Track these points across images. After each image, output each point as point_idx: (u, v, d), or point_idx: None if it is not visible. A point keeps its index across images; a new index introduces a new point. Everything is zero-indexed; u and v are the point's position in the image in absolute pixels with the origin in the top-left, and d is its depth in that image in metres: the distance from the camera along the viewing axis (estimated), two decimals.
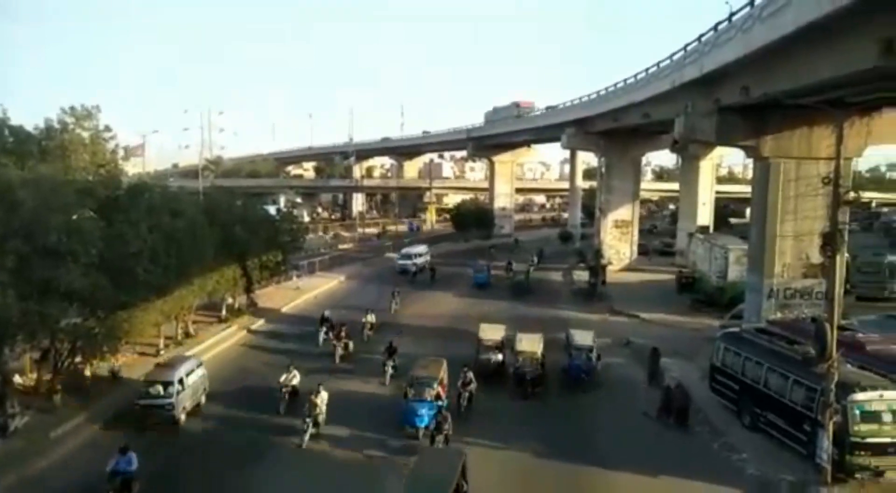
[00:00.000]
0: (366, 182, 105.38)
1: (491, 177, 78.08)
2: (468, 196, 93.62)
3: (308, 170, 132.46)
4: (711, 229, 49.45)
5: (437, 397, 17.88)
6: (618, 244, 48.37)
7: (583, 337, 22.71)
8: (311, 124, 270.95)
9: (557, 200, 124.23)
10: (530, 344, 21.77)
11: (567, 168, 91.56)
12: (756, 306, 24.85)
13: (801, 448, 15.22)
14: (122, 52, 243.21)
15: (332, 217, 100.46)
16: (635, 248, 49.96)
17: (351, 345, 25.32)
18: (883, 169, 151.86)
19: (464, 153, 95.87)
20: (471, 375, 19.29)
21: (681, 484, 14.78)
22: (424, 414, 17.17)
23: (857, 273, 34.20)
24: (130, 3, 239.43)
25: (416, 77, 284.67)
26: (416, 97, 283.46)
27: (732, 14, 22.23)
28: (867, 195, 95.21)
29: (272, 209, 45.79)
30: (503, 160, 75.21)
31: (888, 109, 23.23)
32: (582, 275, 42.57)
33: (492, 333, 23.50)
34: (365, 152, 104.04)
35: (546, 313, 33.29)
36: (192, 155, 71.64)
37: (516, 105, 67.03)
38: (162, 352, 24.29)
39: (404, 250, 47.85)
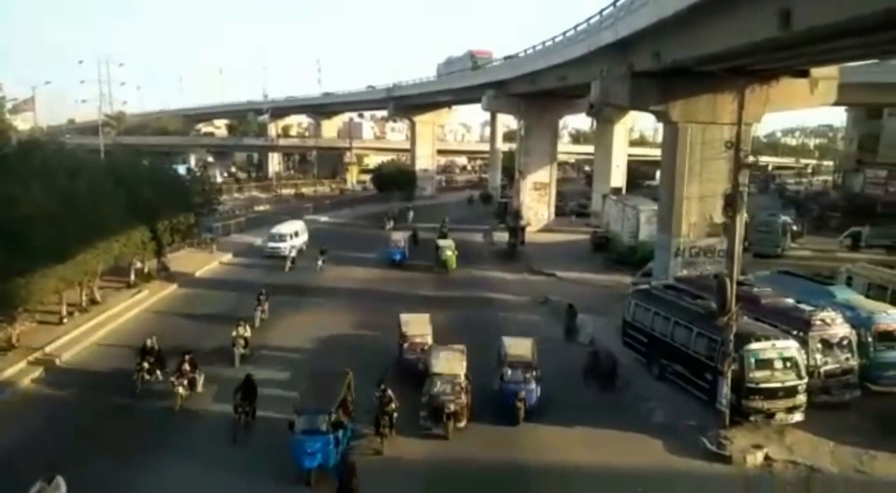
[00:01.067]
0: (282, 141, 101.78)
1: (412, 138, 77.36)
2: (390, 157, 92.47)
3: (220, 128, 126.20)
4: (624, 191, 51.46)
5: (337, 425, 13.60)
6: (536, 206, 49.45)
7: (518, 348, 17.65)
8: (223, 80, 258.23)
9: (478, 162, 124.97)
10: (449, 363, 16.50)
11: (488, 130, 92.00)
12: (664, 263, 26.19)
13: (703, 395, 16.37)
14: None
15: (248, 177, 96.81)
16: (553, 209, 51.27)
17: (200, 382, 17.57)
18: (778, 135, 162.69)
19: (385, 113, 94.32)
20: (390, 393, 14.82)
21: (593, 433, 15.61)
22: (318, 452, 13.04)
23: (755, 232, 36.67)
24: None
25: (335, 31, 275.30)
26: (335, 54, 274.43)
27: None
28: (764, 159, 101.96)
29: (182, 169, 43.60)
30: (424, 121, 74.58)
31: (784, 78, 24.59)
32: (502, 236, 43.39)
33: (418, 327, 19.54)
34: (280, 110, 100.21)
35: (470, 278, 33.74)
36: (90, 110, 66.43)
37: (471, 55, 61.25)
38: (65, 320, 22.92)
39: (274, 230, 38.17)
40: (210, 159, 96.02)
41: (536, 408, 16.18)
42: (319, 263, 34.46)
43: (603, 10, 27.99)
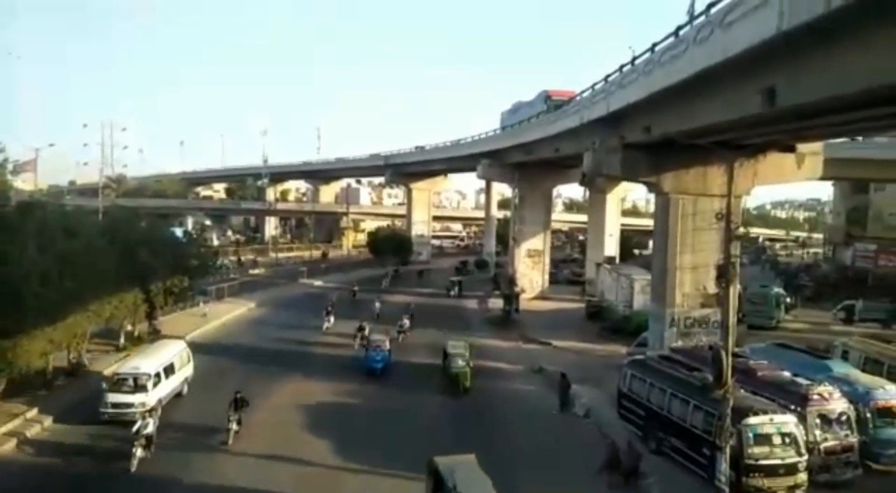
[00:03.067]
0: (280, 206, 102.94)
1: (408, 204, 78.48)
2: (386, 222, 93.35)
3: (219, 191, 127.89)
4: (618, 260, 51.76)
5: None
6: (530, 273, 49.59)
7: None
8: (223, 145, 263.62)
9: (473, 228, 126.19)
10: None
11: (482, 198, 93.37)
12: (659, 333, 26.04)
13: (701, 471, 15.92)
14: (11, 59, 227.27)
15: (245, 241, 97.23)
16: (547, 276, 51.39)
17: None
18: (768, 207, 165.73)
19: (381, 180, 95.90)
20: None
21: None
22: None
23: (748, 304, 36.69)
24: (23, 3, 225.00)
25: (333, 101, 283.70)
26: (334, 122, 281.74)
27: (635, 58, 23.69)
28: (755, 231, 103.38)
29: (179, 231, 43.77)
30: (420, 188, 75.86)
31: (772, 152, 25.28)
32: (496, 302, 43.25)
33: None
34: (279, 175, 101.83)
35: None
36: (91, 172, 67.39)
37: (546, 97, 45.33)
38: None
39: (125, 367, 21.22)
40: (207, 222, 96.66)
41: None
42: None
43: (595, 84, 29.07)
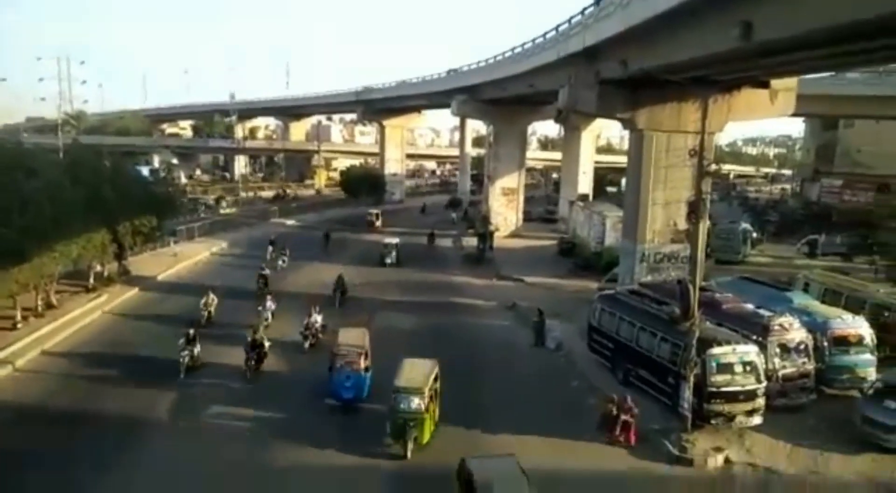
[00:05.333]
0: (249, 144, 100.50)
1: (381, 141, 77.17)
2: (358, 161, 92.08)
3: (185, 129, 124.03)
4: (591, 198, 52.12)
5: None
6: (505, 211, 49.74)
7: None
8: (188, 80, 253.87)
9: (448, 166, 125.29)
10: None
11: (457, 135, 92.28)
12: (629, 269, 26.55)
13: (666, 399, 16.62)
14: None
15: (213, 179, 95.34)
16: (521, 215, 51.63)
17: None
18: (740, 144, 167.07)
19: (354, 116, 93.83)
20: None
21: (556, 439, 15.64)
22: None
23: (716, 239, 37.44)
24: None
25: (304, 34, 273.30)
26: (304, 56, 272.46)
27: None
28: (727, 167, 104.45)
29: (145, 170, 42.74)
30: (394, 125, 74.44)
31: (746, 88, 25.23)
32: (471, 241, 43.53)
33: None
34: (248, 112, 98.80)
35: (440, 282, 33.77)
36: (49, 109, 64.52)
37: None
38: (19, 325, 22.16)
39: None
40: (174, 161, 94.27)
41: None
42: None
43: (571, 17, 28.36)
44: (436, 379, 15.69)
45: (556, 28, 30.92)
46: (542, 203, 66.00)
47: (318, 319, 21.98)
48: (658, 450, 15.06)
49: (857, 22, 13.60)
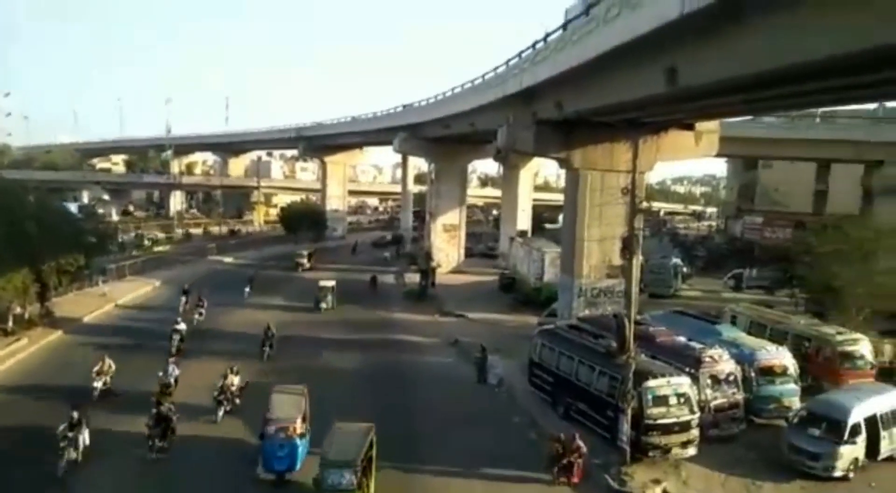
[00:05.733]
0: (186, 179, 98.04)
1: (323, 178, 76.85)
2: (299, 197, 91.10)
3: (118, 164, 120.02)
4: (530, 234, 53.17)
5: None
6: (447, 247, 50.05)
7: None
8: (121, 113, 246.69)
9: (390, 203, 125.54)
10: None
11: (399, 172, 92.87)
12: (568, 304, 27.06)
13: (605, 433, 16.84)
14: None
15: (148, 216, 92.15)
16: (462, 251, 52.07)
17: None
18: (669, 182, 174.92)
19: (294, 152, 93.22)
20: None
21: (499, 475, 15.60)
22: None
23: (649, 274, 38.71)
24: None
25: (243, 71, 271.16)
26: (244, 92, 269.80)
27: (548, 34, 24.06)
28: (656, 205, 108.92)
29: (73, 206, 40.93)
30: (336, 161, 74.38)
31: (673, 130, 26.59)
32: (413, 277, 43.50)
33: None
34: (185, 147, 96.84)
35: (382, 320, 33.46)
36: None
37: None
38: None
39: None
40: (105, 197, 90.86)
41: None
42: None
43: (509, 60, 29.35)
44: (370, 447, 13.84)
45: (495, 69, 31.92)
46: (484, 239, 66.91)
47: (235, 380, 18.88)
48: (598, 484, 15.18)
49: (771, 71, 14.68)
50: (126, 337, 26.78)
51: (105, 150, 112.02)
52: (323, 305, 34.11)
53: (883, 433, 16.51)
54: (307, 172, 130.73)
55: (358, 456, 13.00)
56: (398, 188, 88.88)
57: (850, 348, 21.44)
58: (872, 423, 16.37)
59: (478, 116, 36.33)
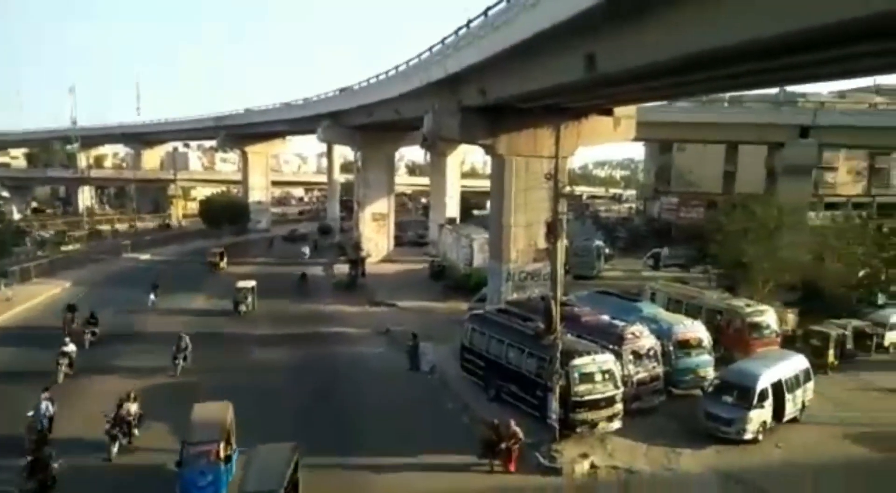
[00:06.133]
0: (94, 173, 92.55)
1: (244, 169, 74.44)
2: (220, 189, 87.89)
3: (17, 157, 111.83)
4: (459, 221, 53.60)
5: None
6: (376, 236, 49.72)
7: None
8: (20, 103, 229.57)
9: (316, 193, 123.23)
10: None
11: (325, 161, 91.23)
12: (497, 288, 27.52)
13: (534, 412, 17.28)
14: None
15: (53, 213, 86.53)
16: (392, 239, 51.88)
17: None
18: (590, 167, 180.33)
19: (213, 143, 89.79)
20: None
21: (432, 458, 15.74)
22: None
23: (574, 256, 39.93)
24: None
25: (156, 55, 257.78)
26: (156, 80, 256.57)
27: (470, 21, 24.13)
28: (579, 189, 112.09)
29: None
30: (257, 151, 72.16)
31: (593, 116, 27.36)
32: (342, 268, 43.00)
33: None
34: (93, 138, 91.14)
35: (312, 312, 32.92)
36: None
37: None
38: None
39: None
40: (5, 194, 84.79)
41: None
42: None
43: (432, 46, 29.27)
44: (295, 468, 12.72)
45: (419, 56, 31.76)
46: (413, 227, 66.91)
47: (132, 408, 16.04)
48: (529, 463, 15.55)
49: (681, 58, 15.33)
50: (9, 358, 23.51)
51: (2, 142, 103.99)
52: (242, 307, 31.03)
53: (787, 397, 17.79)
54: (228, 164, 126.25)
55: (280, 485, 11.87)
56: (324, 178, 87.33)
57: (757, 319, 22.92)
58: (778, 388, 17.61)
59: (403, 104, 36.10)
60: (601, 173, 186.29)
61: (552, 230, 18.16)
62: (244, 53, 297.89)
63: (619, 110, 27.81)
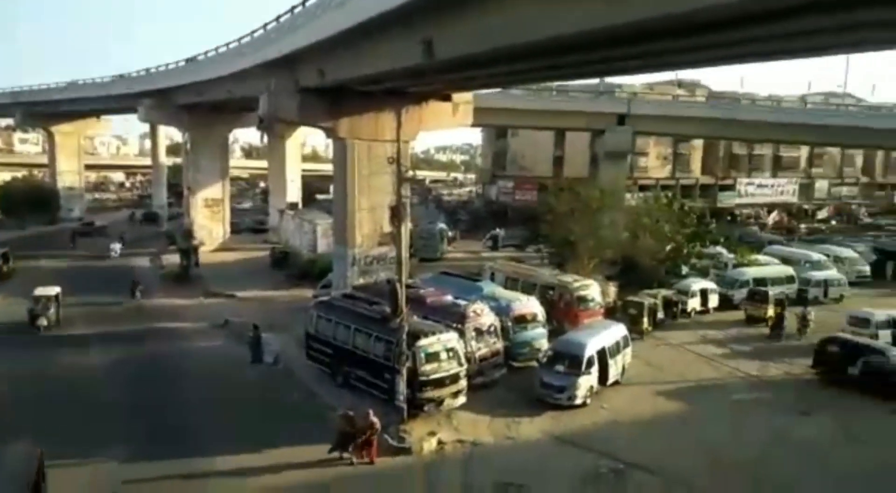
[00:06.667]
0: None
1: (51, 151, 65.95)
2: (21, 173, 77.23)
3: None
4: (300, 206, 52.10)
5: None
6: (210, 224, 46.75)
7: None
8: None
9: (140, 177, 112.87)
10: None
11: (149, 143, 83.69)
12: (343, 274, 27.20)
13: (383, 395, 17.41)
14: None
15: None
16: (228, 226, 49.12)
17: None
18: (432, 151, 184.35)
19: (10, 121, 78.45)
20: None
21: (283, 451, 15.33)
22: None
23: (418, 239, 40.65)
24: None
25: None
26: None
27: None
28: (422, 173, 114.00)
29: None
30: (66, 132, 64.17)
31: (433, 101, 27.82)
32: (172, 258, 39.92)
33: None
34: None
35: (141, 308, 30.13)
36: None
37: None
38: None
39: None
40: None
41: None
42: None
43: (266, 24, 27.87)
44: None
45: (252, 33, 30.11)
46: (251, 213, 63.83)
47: None
48: (380, 445, 15.67)
49: (515, 46, 16.04)
50: None
51: None
52: (43, 321, 25.41)
53: (610, 362, 19.66)
54: (29, 144, 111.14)
55: None
56: (149, 161, 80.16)
57: (583, 293, 25.00)
58: (602, 355, 19.39)
59: (235, 83, 34.08)
60: (443, 158, 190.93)
61: (396, 214, 18.27)
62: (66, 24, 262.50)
63: (457, 96, 28.56)
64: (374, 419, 15.03)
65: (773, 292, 29.03)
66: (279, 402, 18.54)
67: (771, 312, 27.31)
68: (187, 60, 41.50)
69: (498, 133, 69.28)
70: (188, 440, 15.98)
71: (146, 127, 72.25)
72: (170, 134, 72.04)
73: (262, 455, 15.15)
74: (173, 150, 79.19)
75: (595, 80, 49.92)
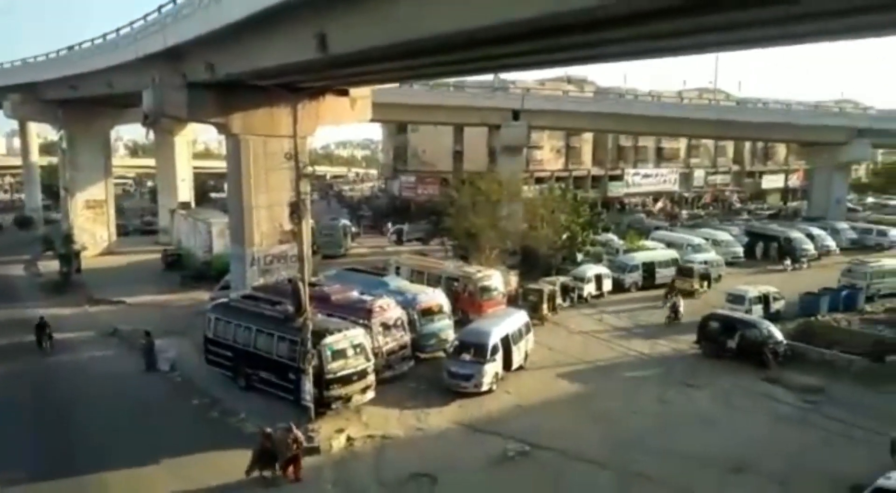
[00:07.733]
0: None
1: None
2: None
3: None
4: (193, 205, 49.71)
5: None
6: (92, 227, 43.61)
7: None
8: None
9: (9, 179, 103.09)
10: None
11: (18, 141, 76.59)
12: (241, 274, 26.25)
13: (289, 396, 17.11)
14: None
15: None
16: (114, 229, 46.04)
17: None
18: (332, 147, 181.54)
19: None
20: None
21: (186, 461, 14.74)
22: None
23: (321, 236, 40.03)
24: None
25: None
26: None
27: None
28: (322, 169, 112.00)
29: None
30: None
31: (330, 96, 27.39)
32: (51, 265, 36.91)
33: None
34: None
35: (7, 319, 27.59)
36: None
37: None
38: None
39: None
40: None
41: None
42: None
43: (147, 14, 26.31)
44: None
45: (132, 24, 28.34)
46: (139, 214, 60.18)
47: None
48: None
49: (410, 41, 16.15)
50: None
51: None
52: None
53: (514, 349, 20.38)
54: None
55: None
56: (18, 160, 73.31)
57: (486, 283, 25.65)
58: (506, 341, 20.05)
59: (116, 76, 31.94)
60: (344, 153, 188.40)
61: (296, 211, 17.94)
62: None
63: (354, 91, 28.25)
64: (298, 433, 14.24)
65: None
66: (178, 410, 17.76)
67: (697, 285, 31.22)
68: (59, 52, 38.41)
69: (398, 128, 69.23)
70: (79, 459, 14.99)
71: (15, 124, 66.04)
72: (43, 132, 66.35)
73: (161, 467, 14.47)
74: (48, 148, 73.03)
75: (490, 77, 51.04)
